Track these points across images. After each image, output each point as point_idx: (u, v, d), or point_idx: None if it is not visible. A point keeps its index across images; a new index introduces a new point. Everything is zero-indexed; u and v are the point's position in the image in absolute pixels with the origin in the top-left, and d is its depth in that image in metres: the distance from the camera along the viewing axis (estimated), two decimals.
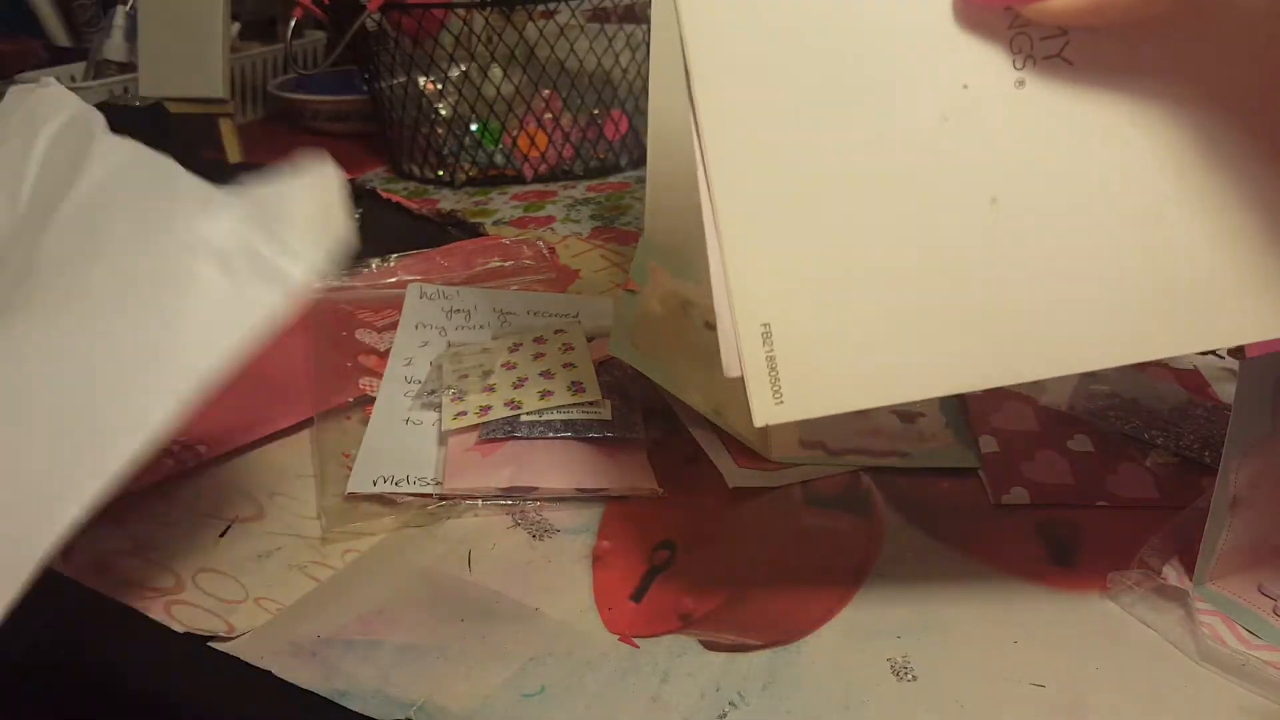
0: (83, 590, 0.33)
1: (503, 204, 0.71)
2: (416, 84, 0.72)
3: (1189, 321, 0.24)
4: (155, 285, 0.24)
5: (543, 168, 0.75)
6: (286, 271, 0.24)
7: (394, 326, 0.48)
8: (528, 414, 0.39)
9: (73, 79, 0.86)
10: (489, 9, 0.68)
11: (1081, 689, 0.28)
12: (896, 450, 0.39)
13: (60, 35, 1.06)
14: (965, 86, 0.23)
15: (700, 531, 0.36)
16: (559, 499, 0.37)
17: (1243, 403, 0.29)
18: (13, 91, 0.32)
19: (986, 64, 0.23)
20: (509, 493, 0.37)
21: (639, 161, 0.76)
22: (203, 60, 0.76)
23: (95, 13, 1.06)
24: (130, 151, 0.28)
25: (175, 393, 0.23)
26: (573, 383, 0.41)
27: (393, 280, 0.54)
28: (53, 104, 0.31)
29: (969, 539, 0.35)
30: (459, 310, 0.50)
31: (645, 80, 0.49)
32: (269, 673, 0.29)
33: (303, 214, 0.24)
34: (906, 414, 0.42)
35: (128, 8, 0.84)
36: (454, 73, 0.71)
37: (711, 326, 0.30)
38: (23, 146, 0.30)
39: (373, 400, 0.43)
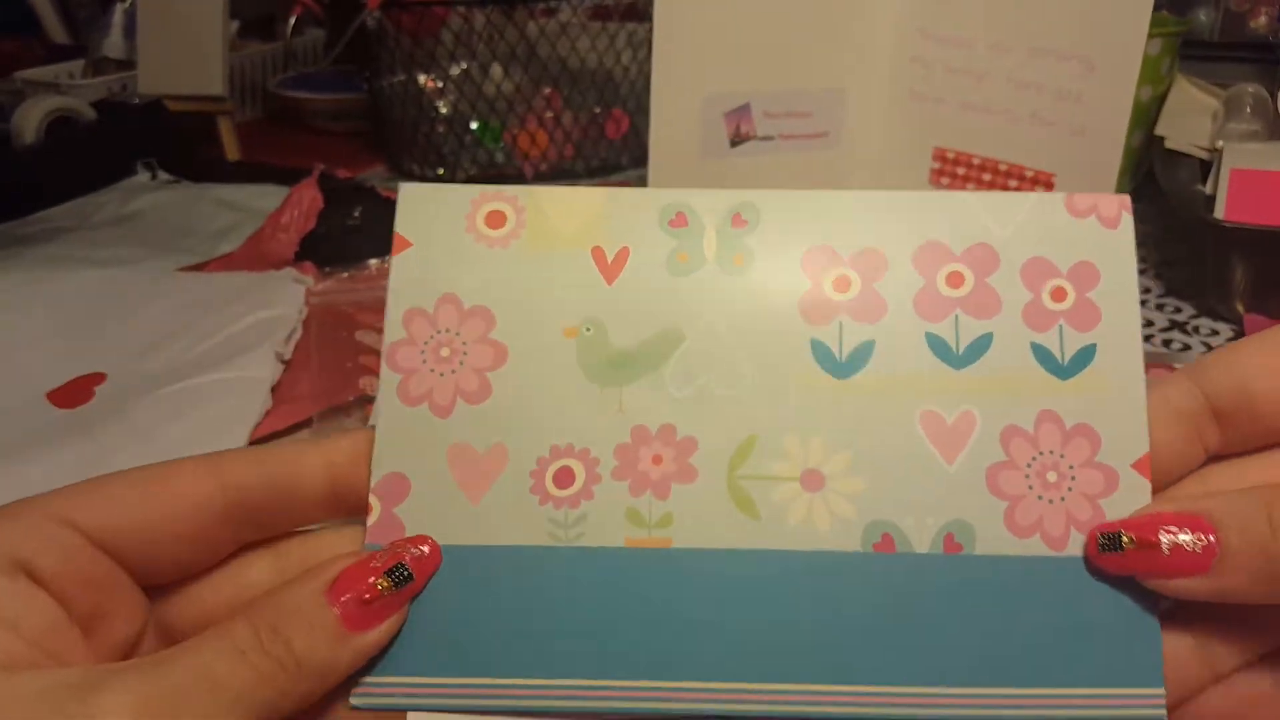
0: None
1: None
2: (416, 82, 0.72)
3: None
4: None
5: (543, 166, 0.74)
6: None
7: None
8: None
9: (71, 76, 0.86)
10: (490, 7, 0.68)
11: None
12: None
13: (59, 33, 1.06)
14: None
15: None
16: None
17: None
18: None
19: None
20: None
21: (640, 160, 0.75)
22: (202, 58, 0.76)
23: (94, 10, 1.05)
24: None
25: None
26: None
27: None
28: None
29: None
30: None
31: (647, 79, 0.49)
32: None
33: None
34: None
35: (126, 5, 0.84)
36: (454, 71, 0.71)
37: None
38: None
39: (372, 400, 0.43)
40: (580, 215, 0.25)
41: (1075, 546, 0.23)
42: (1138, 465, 0.24)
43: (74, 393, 0.43)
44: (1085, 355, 0.24)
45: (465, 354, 0.24)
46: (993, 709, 0.23)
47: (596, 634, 0.23)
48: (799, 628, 0.23)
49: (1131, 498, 0.23)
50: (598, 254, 0.25)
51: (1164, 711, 0.23)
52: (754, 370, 0.24)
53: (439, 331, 0.25)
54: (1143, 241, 0.65)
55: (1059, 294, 0.25)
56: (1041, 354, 0.24)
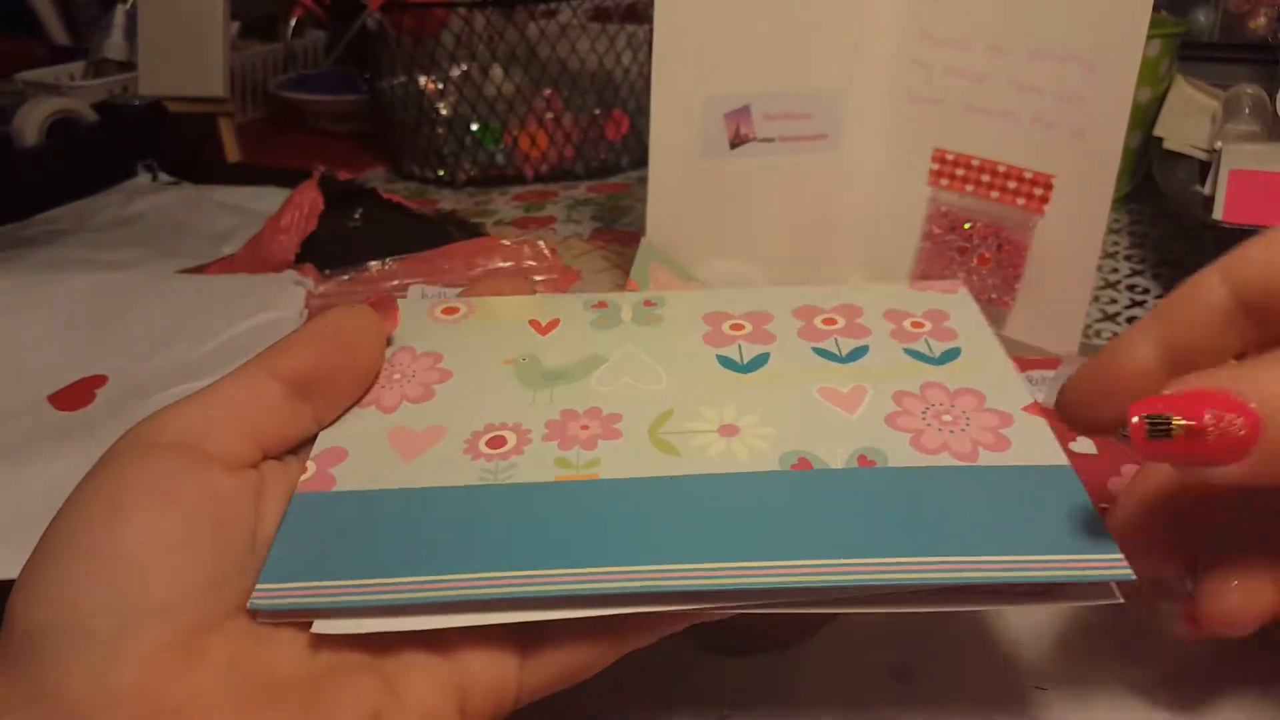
0: None
1: (504, 204, 0.71)
2: (417, 83, 0.72)
3: None
4: None
5: (543, 168, 0.74)
6: None
7: None
8: None
9: (71, 78, 0.86)
10: (490, 8, 0.68)
11: (1086, 691, 0.28)
12: None
13: (60, 34, 1.06)
14: None
15: None
16: None
17: None
18: None
19: None
20: None
21: (640, 162, 0.76)
22: (203, 59, 0.76)
23: (95, 11, 1.06)
24: None
25: None
26: None
27: (394, 283, 0.54)
28: None
29: None
30: None
31: (647, 80, 0.49)
32: None
33: None
34: None
35: (127, 6, 0.84)
36: (455, 72, 0.71)
37: None
38: None
39: None
40: (519, 306, 0.31)
41: (985, 459, 0.25)
42: (1028, 409, 0.26)
43: (75, 395, 0.43)
44: (952, 353, 0.29)
45: (414, 375, 0.28)
46: (949, 573, 0.21)
47: (519, 536, 0.23)
48: (721, 522, 0.23)
49: (1030, 427, 0.26)
50: (533, 323, 0.31)
51: (1130, 570, 0.21)
52: (669, 374, 0.28)
53: (392, 367, 0.28)
54: (1141, 242, 0.66)
55: (918, 324, 0.30)
56: (914, 353, 0.29)
